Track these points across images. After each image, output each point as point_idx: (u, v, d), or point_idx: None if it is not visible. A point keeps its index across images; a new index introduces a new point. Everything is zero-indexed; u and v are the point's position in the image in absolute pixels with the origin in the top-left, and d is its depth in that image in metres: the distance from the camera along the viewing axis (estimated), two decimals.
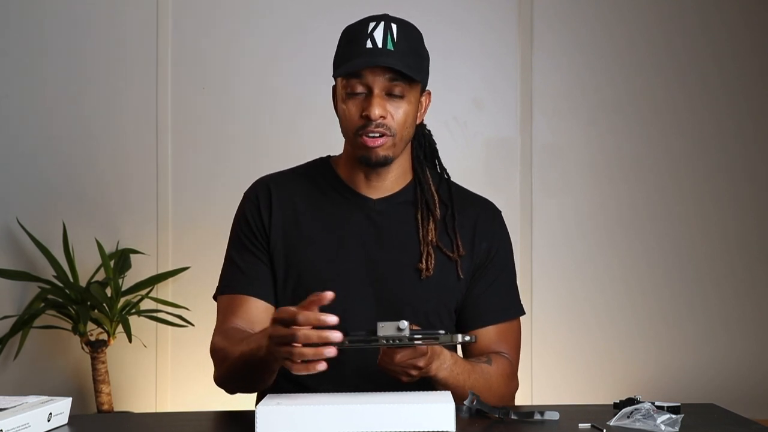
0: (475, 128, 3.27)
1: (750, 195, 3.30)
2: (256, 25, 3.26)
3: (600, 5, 3.30)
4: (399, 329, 1.35)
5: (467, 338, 1.41)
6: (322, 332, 1.31)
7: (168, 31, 3.23)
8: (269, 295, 1.68)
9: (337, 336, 1.30)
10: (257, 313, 1.66)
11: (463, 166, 3.18)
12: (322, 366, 1.32)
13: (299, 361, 1.33)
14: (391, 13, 1.67)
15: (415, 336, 1.37)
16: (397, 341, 1.36)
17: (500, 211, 1.78)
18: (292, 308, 1.34)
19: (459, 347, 1.74)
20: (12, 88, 3.23)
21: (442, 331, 1.38)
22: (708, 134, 3.30)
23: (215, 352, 1.66)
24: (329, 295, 1.33)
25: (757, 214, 3.30)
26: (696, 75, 3.30)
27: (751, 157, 3.31)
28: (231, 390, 1.68)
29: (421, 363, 1.45)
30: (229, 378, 1.64)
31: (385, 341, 1.36)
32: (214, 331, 1.69)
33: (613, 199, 3.29)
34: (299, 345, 1.32)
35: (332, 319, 1.30)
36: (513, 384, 1.71)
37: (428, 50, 1.70)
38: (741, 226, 3.30)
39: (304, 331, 1.31)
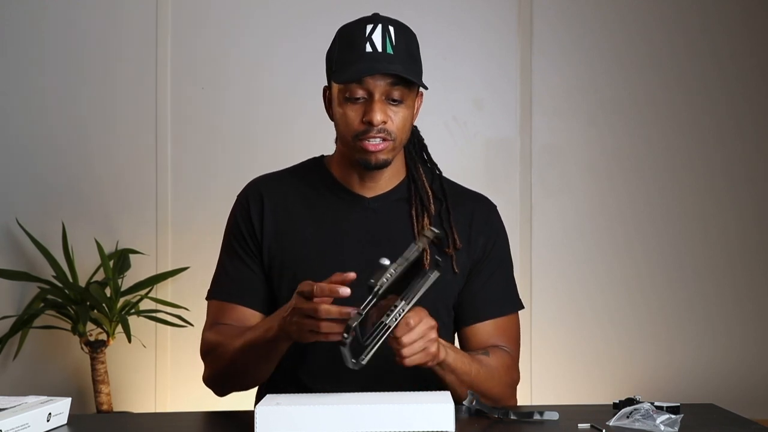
0: (475, 128, 3.27)
1: (750, 195, 3.30)
2: (255, 25, 3.26)
3: (600, 5, 3.30)
4: (382, 265, 1.37)
5: (436, 231, 1.44)
6: (342, 308, 1.38)
7: (167, 32, 3.23)
8: (258, 303, 1.69)
9: (351, 311, 1.37)
10: (245, 320, 1.67)
11: (463, 166, 3.18)
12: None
13: (323, 332, 1.40)
14: (392, 14, 1.67)
15: (397, 261, 1.38)
16: (392, 271, 1.36)
17: (495, 206, 1.78)
18: (312, 283, 1.41)
19: (456, 342, 1.74)
20: (11, 88, 3.23)
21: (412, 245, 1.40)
22: (708, 134, 3.30)
23: (210, 350, 1.66)
24: (351, 275, 1.40)
25: (757, 214, 3.30)
26: (696, 75, 3.30)
27: (751, 157, 3.31)
28: (222, 388, 1.69)
29: (432, 323, 1.46)
30: (225, 373, 1.65)
31: (385, 280, 1.35)
32: (204, 330, 1.71)
33: (612, 199, 3.29)
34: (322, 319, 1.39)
35: (345, 291, 1.38)
36: (515, 374, 1.71)
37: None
38: (741, 226, 3.30)
39: (326, 306, 1.39)
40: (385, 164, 1.63)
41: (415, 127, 1.78)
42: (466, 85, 3.27)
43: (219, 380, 1.68)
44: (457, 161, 3.18)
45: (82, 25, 3.24)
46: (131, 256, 3.16)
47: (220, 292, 1.71)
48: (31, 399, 1.40)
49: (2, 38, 3.23)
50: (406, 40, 1.62)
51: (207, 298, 1.74)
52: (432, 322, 1.46)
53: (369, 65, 1.57)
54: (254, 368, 1.61)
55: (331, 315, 1.38)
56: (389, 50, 1.59)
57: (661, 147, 3.29)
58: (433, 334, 1.46)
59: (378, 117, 1.57)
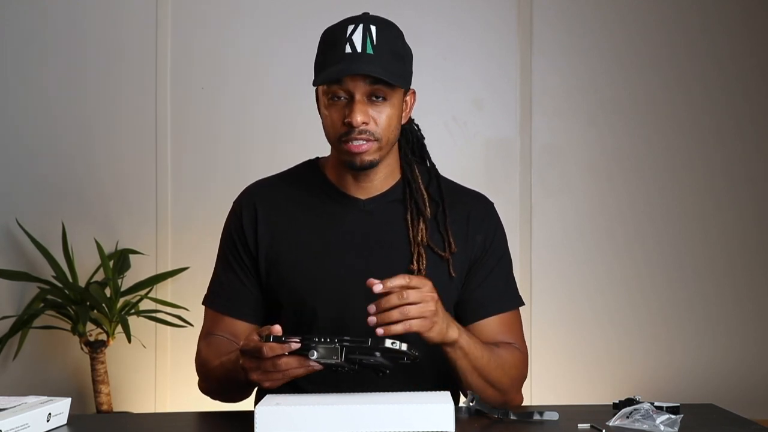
0: (475, 128, 3.27)
1: (750, 195, 3.30)
2: (255, 25, 3.26)
3: (600, 6, 3.30)
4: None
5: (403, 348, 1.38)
6: (283, 345, 1.36)
7: (167, 32, 3.23)
8: (250, 315, 1.70)
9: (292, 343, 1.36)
10: (238, 331, 1.69)
11: (463, 166, 3.18)
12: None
13: (283, 369, 1.38)
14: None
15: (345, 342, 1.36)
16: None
17: (492, 203, 1.77)
18: (256, 341, 1.39)
19: None
20: (11, 88, 3.23)
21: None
22: (708, 134, 3.30)
23: (200, 364, 1.69)
24: (276, 329, 1.38)
25: (757, 214, 3.30)
26: (696, 75, 3.30)
27: (751, 157, 3.31)
28: (214, 398, 1.72)
29: (434, 293, 1.45)
30: (213, 388, 1.69)
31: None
32: (199, 337, 1.72)
33: (612, 199, 3.29)
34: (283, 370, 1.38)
35: (295, 345, 1.35)
36: (524, 370, 1.69)
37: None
38: (741, 226, 3.30)
39: (285, 359, 1.37)
40: (372, 165, 1.61)
41: (417, 125, 1.77)
42: (466, 85, 3.27)
43: (209, 392, 1.71)
44: (456, 161, 3.18)
45: (82, 25, 3.24)
46: (131, 256, 3.16)
47: (213, 302, 1.72)
48: (31, 399, 1.40)
49: (2, 38, 3.23)
50: (388, 39, 1.60)
51: (203, 304, 1.75)
52: (434, 293, 1.45)
53: (346, 66, 1.55)
54: (236, 391, 1.65)
55: (275, 352, 1.35)
56: (369, 50, 1.56)
57: (661, 147, 3.29)
58: (434, 295, 1.45)
59: (358, 118, 1.55)
